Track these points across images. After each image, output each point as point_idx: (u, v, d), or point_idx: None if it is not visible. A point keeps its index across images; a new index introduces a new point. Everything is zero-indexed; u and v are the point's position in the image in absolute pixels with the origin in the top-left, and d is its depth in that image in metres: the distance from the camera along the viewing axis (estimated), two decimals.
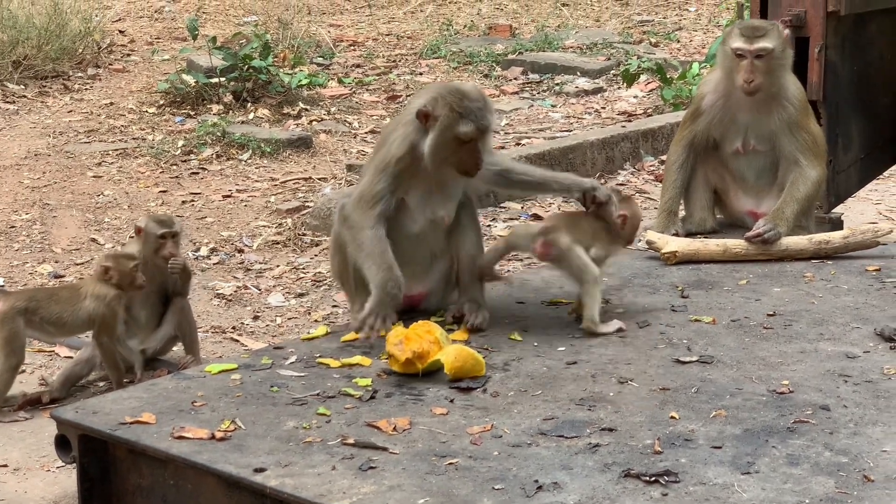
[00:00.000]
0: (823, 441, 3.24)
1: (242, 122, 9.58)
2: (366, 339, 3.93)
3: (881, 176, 7.17)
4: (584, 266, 4.09)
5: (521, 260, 7.22)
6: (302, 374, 3.73)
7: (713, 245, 4.84)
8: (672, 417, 3.41)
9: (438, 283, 4.27)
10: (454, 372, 3.62)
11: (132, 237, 5.64)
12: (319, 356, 3.86)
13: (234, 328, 6.22)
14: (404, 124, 4.12)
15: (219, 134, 9.03)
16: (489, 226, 7.90)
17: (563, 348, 3.93)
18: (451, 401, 3.55)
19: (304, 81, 10.24)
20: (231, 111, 9.79)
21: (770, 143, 5.22)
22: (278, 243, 7.37)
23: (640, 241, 4.99)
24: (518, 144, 9.35)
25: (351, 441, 3.26)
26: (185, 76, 10.21)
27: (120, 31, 12.77)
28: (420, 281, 4.21)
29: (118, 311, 5.14)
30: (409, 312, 4.15)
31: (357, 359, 3.83)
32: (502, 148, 9.10)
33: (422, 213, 4.15)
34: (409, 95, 10.80)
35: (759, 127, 5.23)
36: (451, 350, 3.66)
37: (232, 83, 9.96)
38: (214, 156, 8.85)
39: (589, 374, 3.72)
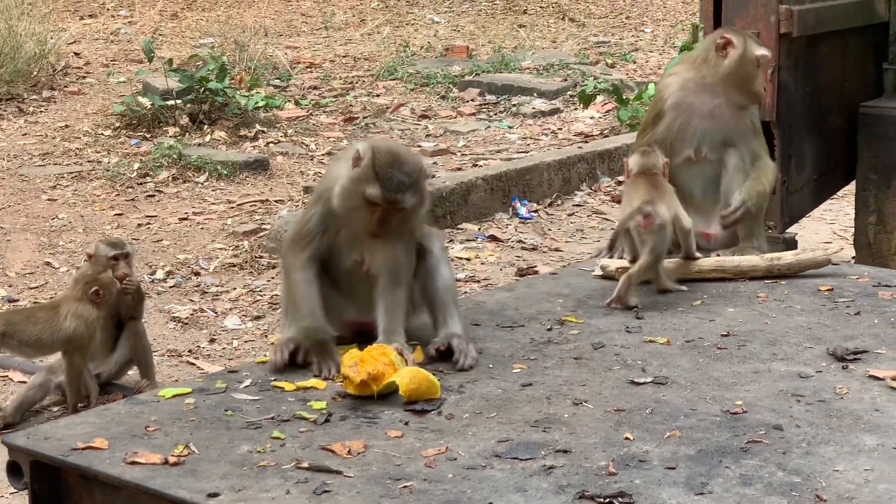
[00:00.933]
0: (776, 461, 3.26)
1: (199, 145, 9.57)
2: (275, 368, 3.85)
3: (835, 196, 7.23)
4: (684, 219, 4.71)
5: (478, 281, 7.24)
6: (256, 398, 3.71)
7: (668, 264, 4.86)
8: (626, 438, 3.41)
9: None
10: (409, 394, 3.62)
11: (86, 262, 5.61)
12: (274, 379, 3.84)
13: (190, 351, 6.21)
14: (344, 161, 3.97)
15: (175, 156, 9.02)
16: (446, 247, 7.90)
17: (517, 370, 3.93)
18: (406, 423, 3.54)
19: (261, 103, 10.25)
20: (187, 133, 9.78)
21: (720, 152, 5.23)
22: (235, 266, 7.37)
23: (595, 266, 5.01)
24: (475, 166, 9.38)
25: (305, 465, 3.25)
26: (140, 98, 10.20)
27: (75, 54, 12.75)
28: (367, 309, 4.12)
29: (97, 331, 5.13)
30: (365, 338, 4.11)
31: (312, 382, 3.82)
32: (458, 170, 9.13)
33: (349, 256, 4.04)
34: (365, 117, 10.82)
35: (716, 133, 5.23)
36: (406, 372, 3.66)
37: (188, 105, 9.96)
38: (171, 178, 8.84)
39: (544, 396, 3.72)
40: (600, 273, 4.89)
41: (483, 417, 3.58)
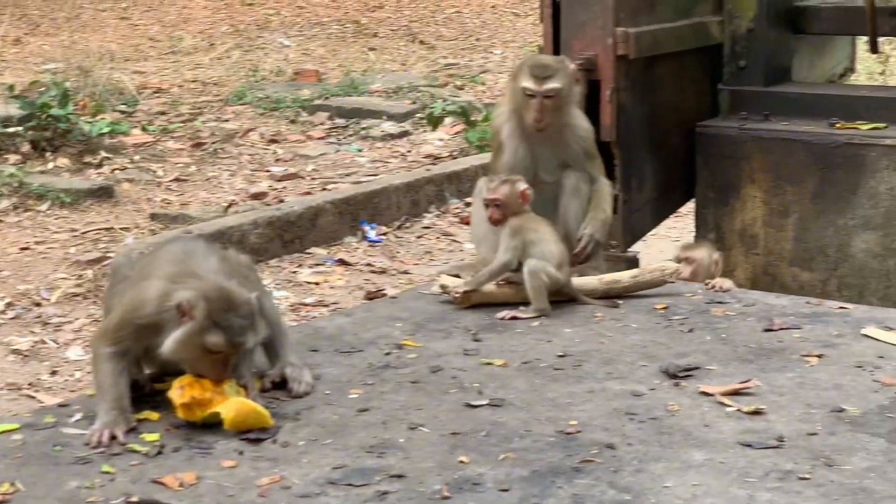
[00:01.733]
0: (608, 479, 3.29)
1: (41, 172, 9.40)
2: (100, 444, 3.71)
3: (680, 213, 7.34)
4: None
5: (327, 306, 7.21)
6: (87, 432, 3.64)
7: (506, 286, 4.89)
8: (461, 462, 3.42)
9: None
10: (234, 426, 3.59)
11: None
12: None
13: (30, 384, 6.09)
14: (162, 279, 3.79)
15: (16, 185, 8.85)
16: (295, 272, 7.88)
17: (354, 396, 3.92)
18: (241, 453, 3.51)
19: (106, 129, 10.10)
20: (29, 161, 9.61)
21: (556, 175, 5.30)
22: (78, 296, 7.24)
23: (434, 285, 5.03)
24: (324, 189, 9.36)
25: (135, 499, 3.19)
26: None
27: None
28: None
29: None
30: None
31: (145, 413, 3.76)
32: (308, 194, 9.10)
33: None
34: (214, 143, 10.73)
35: (551, 158, 5.30)
36: (232, 404, 3.62)
37: (30, 132, 9.78)
38: (11, 207, 8.67)
39: (380, 421, 3.71)
40: (439, 291, 4.91)
41: (318, 444, 3.56)
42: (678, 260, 5.43)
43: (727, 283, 5.11)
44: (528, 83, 5.15)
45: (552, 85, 5.15)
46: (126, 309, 3.81)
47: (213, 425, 3.62)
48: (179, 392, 3.63)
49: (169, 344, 3.70)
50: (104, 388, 3.75)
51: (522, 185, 4.92)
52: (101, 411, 3.68)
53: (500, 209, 4.87)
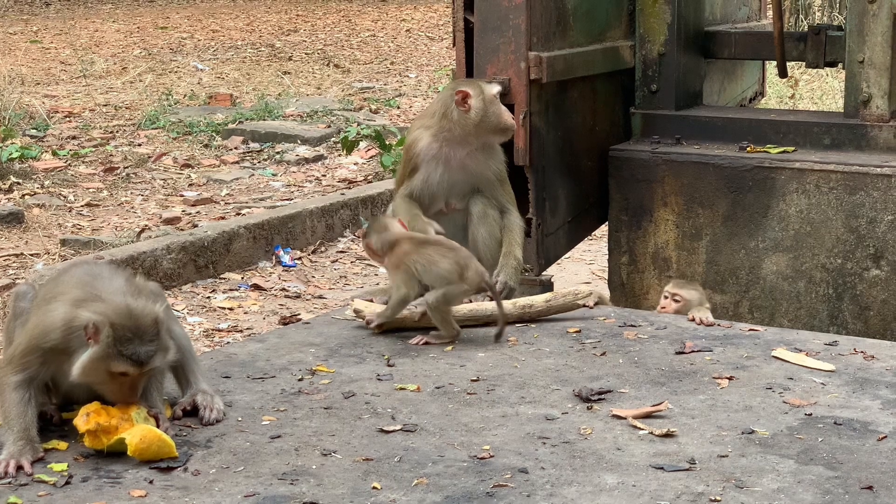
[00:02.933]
0: None
1: None
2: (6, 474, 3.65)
3: (594, 236, 7.39)
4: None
5: (241, 331, 7.16)
6: None
7: (418, 311, 4.88)
8: (374, 488, 3.40)
9: None
10: (138, 454, 3.54)
11: None
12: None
13: None
14: (67, 303, 3.73)
15: None
16: (209, 297, 7.81)
17: (267, 423, 3.89)
18: (151, 482, 3.46)
19: (16, 154, 9.98)
20: None
21: (466, 201, 5.33)
22: None
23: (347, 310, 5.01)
24: (238, 214, 9.30)
25: None
26: None
27: None
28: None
29: None
30: None
31: (53, 443, 3.70)
32: (221, 219, 9.04)
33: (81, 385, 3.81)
34: (126, 167, 10.64)
35: (465, 184, 5.32)
36: (137, 431, 3.57)
37: None
38: None
39: (293, 448, 3.69)
40: (353, 315, 4.90)
41: (230, 472, 3.52)
42: (666, 295, 5.37)
43: (710, 317, 5.09)
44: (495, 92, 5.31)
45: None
46: (32, 335, 3.75)
47: (120, 454, 3.58)
48: (85, 419, 3.59)
49: (77, 368, 3.66)
50: (11, 417, 3.69)
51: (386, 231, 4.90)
52: (8, 441, 3.62)
53: (373, 255, 4.88)
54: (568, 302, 4.98)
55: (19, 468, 3.53)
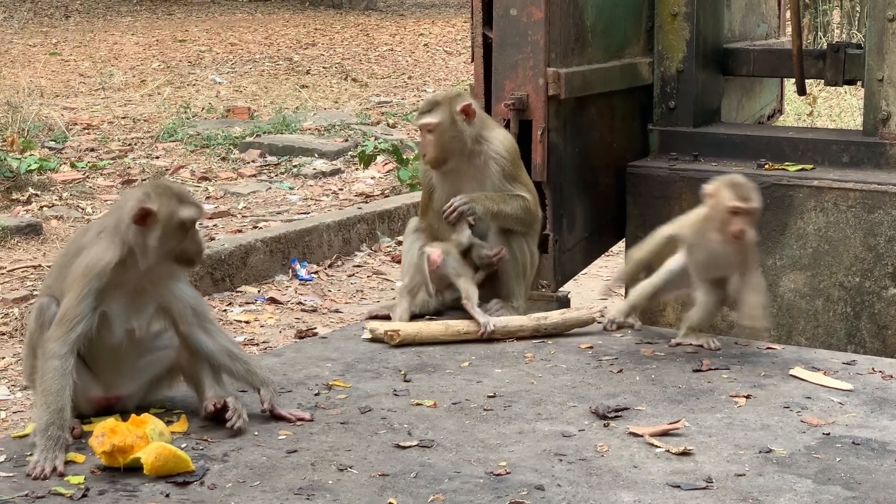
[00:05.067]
0: None
1: None
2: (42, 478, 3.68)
3: (610, 253, 7.37)
4: None
5: (258, 345, 7.16)
6: (10, 475, 3.59)
7: (435, 325, 4.89)
8: (391, 503, 3.40)
9: (141, 384, 4.13)
10: (154, 471, 3.54)
11: None
12: (30, 454, 3.72)
13: None
14: (113, 229, 3.91)
15: None
16: (225, 310, 7.82)
17: (283, 437, 3.89)
18: (167, 495, 3.46)
19: (35, 166, 9.99)
20: None
21: None
22: (4, 334, 7.14)
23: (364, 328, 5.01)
24: (255, 227, 9.31)
25: None
26: None
27: None
28: (119, 385, 4.04)
29: None
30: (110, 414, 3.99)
31: (70, 455, 3.71)
32: (238, 232, 9.06)
33: (121, 325, 3.96)
34: (144, 180, 10.66)
35: (475, 191, 5.29)
36: (152, 449, 3.57)
37: None
38: None
39: (309, 463, 3.69)
40: (369, 336, 4.89)
41: (246, 486, 3.53)
42: None
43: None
44: (415, 121, 5.23)
45: (426, 120, 5.19)
46: (83, 273, 3.88)
47: (137, 469, 3.58)
48: (100, 440, 3.59)
49: (151, 244, 3.86)
50: (48, 391, 3.76)
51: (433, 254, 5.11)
52: (40, 428, 3.69)
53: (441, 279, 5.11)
54: (583, 317, 5.01)
55: (53, 470, 3.59)
